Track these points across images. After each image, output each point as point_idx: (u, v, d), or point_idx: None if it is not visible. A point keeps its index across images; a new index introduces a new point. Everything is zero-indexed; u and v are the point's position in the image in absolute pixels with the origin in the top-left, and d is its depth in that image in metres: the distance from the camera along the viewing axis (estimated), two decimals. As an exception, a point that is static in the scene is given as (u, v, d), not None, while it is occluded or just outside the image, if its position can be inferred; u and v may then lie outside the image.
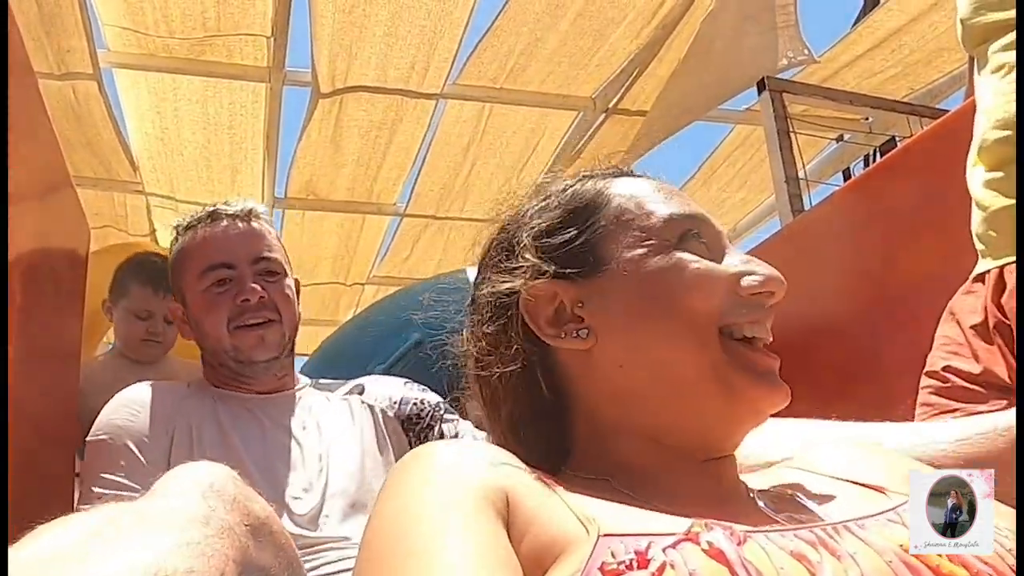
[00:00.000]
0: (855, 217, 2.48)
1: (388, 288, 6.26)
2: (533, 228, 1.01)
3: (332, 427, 1.84)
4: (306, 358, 4.06)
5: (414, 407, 1.93)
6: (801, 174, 3.83)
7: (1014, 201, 1.50)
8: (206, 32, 4.35)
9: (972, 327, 1.57)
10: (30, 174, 2.01)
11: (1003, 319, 1.51)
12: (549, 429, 1.00)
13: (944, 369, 1.61)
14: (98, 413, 2.84)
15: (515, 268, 1.00)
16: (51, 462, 2.35)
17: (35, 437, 2.12)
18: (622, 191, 0.99)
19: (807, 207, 3.70)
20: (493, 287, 1.01)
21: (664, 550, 0.70)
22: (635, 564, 0.69)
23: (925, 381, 1.65)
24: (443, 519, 0.75)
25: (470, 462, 0.82)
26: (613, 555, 0.70)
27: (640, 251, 0.93)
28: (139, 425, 1.78)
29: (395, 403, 1.93)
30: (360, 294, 7.07)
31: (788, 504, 0.87)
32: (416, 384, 2.00)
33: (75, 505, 2.52)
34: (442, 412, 1.94)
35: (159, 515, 0.82)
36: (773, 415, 0.94)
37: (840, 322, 2.54)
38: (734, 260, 0.93)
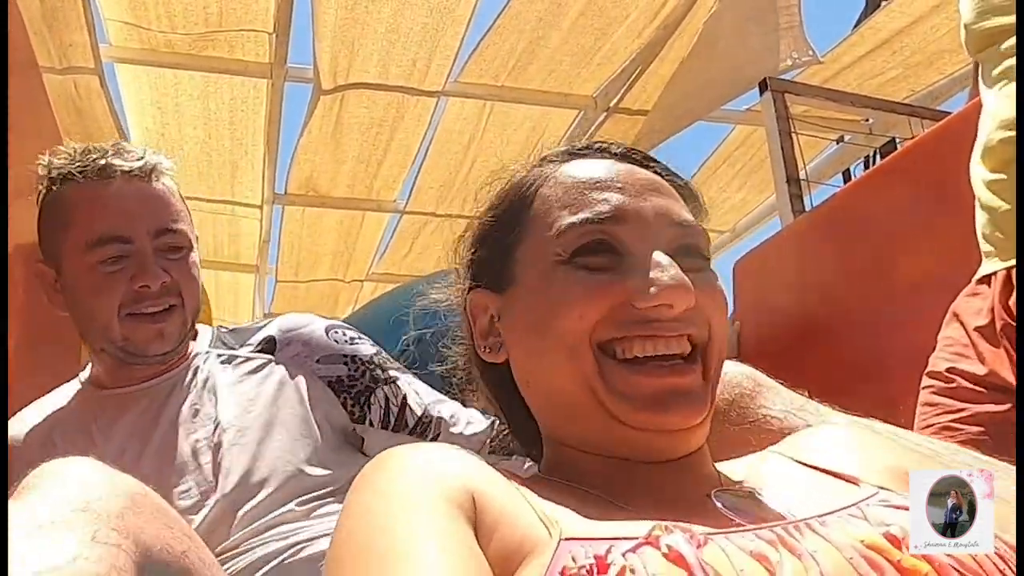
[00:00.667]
0: (856, 218, 2.49)
1: (387, 285, 6.27)
2: (471, 236, 1.02)
3: (229, 407, 1.54)
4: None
5: (343, 367, 1.61)
6: (802, 175, 3.83)
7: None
8: (208, 28, 4.35)
9: (977, 329, 1.57)
10: (34, 170, 2.02)
11: (1010, 321, 1.51)
12: (514, 428, 1.03)
13: (948, 371, 1.61)
14: None
15: (464, 278, 1.02)
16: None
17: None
18: (544, 193, 0.94)
19: (808, 208, 3.71)
20: (452, 296, 1.05)
21: (624, 554, 0.69)
22: (595, 569, 0.68)
23: (927, 381, 1.65)
24: (411, 523, 0.73)
25: (435, 466, 0.80)
26: (574, 559, 0.69)
27: (538, 265, 0.90)
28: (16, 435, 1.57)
29: (316, 362, 1.61)
30: (359, 291, 7.07)
31: (750, 502, 0.85)
32: (345, 332, 1.70)
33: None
34: (382, 372, 1.64)
35: (48, 509, 0.75)
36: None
37: (841, 321, 2.55)
38: (643, 268, 0.85)
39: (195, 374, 1.62)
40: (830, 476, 0.88)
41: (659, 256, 0.86)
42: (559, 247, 0.88)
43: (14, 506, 0.76)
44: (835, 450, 0.93)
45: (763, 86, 4.02)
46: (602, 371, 0.85)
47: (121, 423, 1.56)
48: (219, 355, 1.65)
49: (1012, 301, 1.51)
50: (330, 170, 5.61)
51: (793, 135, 3.89)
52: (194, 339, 1.68)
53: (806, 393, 1.16)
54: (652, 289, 0.84)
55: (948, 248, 1.76)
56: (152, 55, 4.53)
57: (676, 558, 0.68)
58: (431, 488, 0.76)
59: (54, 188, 1.58)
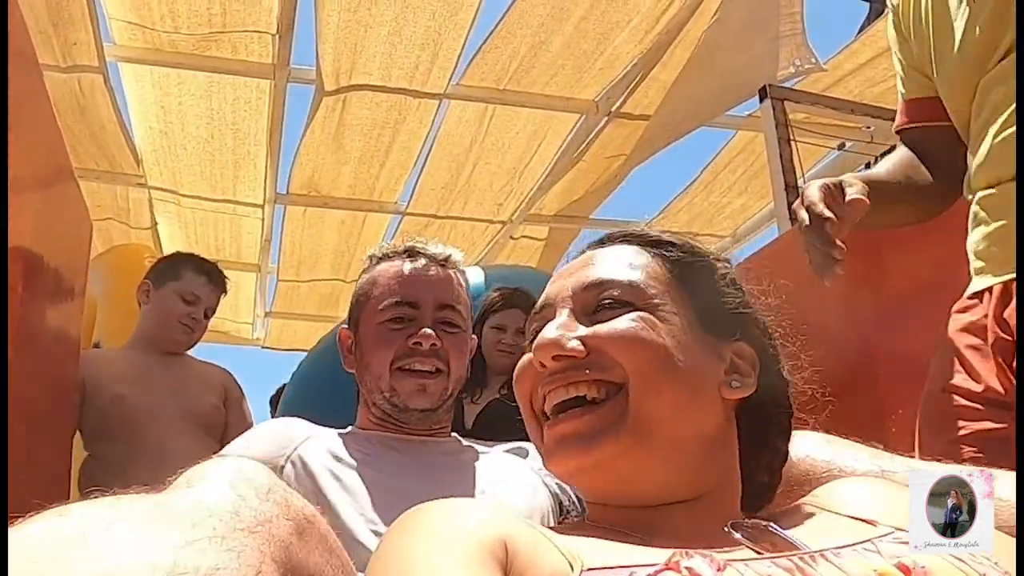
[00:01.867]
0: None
1: (388, 286, 6.28)
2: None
3: (499, 483, 1.69)
4: (304, 354, 4.08)
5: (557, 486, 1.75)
6: (800, 182, 3.83)
7: (1013, 218, 1.50)
8: (211, 28, 4.37)
9: (970, 346, 1.56)
10: (33, 166, 2.03)
11: (1003, 335, 1.51)
12: None
13: (944, 389, 1.60)
14: (121, 402, 2.89)
15: None
16: (48, 453, 2.37)
17: (33, 428, 2.14)
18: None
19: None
20: None
21: None
22: None
23: (925, 402, 1.64)
24: (443, 566, 0.75)
25: (467, 515, 0.84)
26: None
27: None
28: (269, 455, 1.64)
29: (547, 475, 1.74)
30: (360, 292, 7.08)
31: (766, 535, 0.87)
32: None
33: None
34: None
35: (179, 506, 0.72)
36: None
37: (834, 331, 2.55)
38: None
39: (461, 447, 1.81)
40: (848, 518, 0.90)
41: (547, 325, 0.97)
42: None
43: (175, 495, 0.75)
44: (856, 496, 0.95)
45: (763, 93, 4.03)
46: (541, 435, 0.97)
47: (384, 458, 1.69)
48: (481, 450, 1.81)
49: (1007, 314, 1.50)
50: (332, 171, 5.63)
51: (792, 142, 3.90)
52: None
53: (880, 446, 1.16)
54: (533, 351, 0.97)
55: (943, 258, 1.76)
56: (156, 55, 4.55)
57: None
58: (463, 534, 0.79)
59: (371, 267, 1.86)
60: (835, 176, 4.01)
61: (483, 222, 6.32)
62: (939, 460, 1.28)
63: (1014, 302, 1.49)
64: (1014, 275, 1.50)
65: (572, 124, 5.33)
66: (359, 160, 5.51)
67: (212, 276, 3.17)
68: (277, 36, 4.42)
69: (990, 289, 1.56)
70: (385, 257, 1.85)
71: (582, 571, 0.76)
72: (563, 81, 4.92)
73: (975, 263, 1.62)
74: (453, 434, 1.86)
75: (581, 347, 0.92)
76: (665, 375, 0.92)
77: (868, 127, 4.63)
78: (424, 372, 1.73)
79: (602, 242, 1.07)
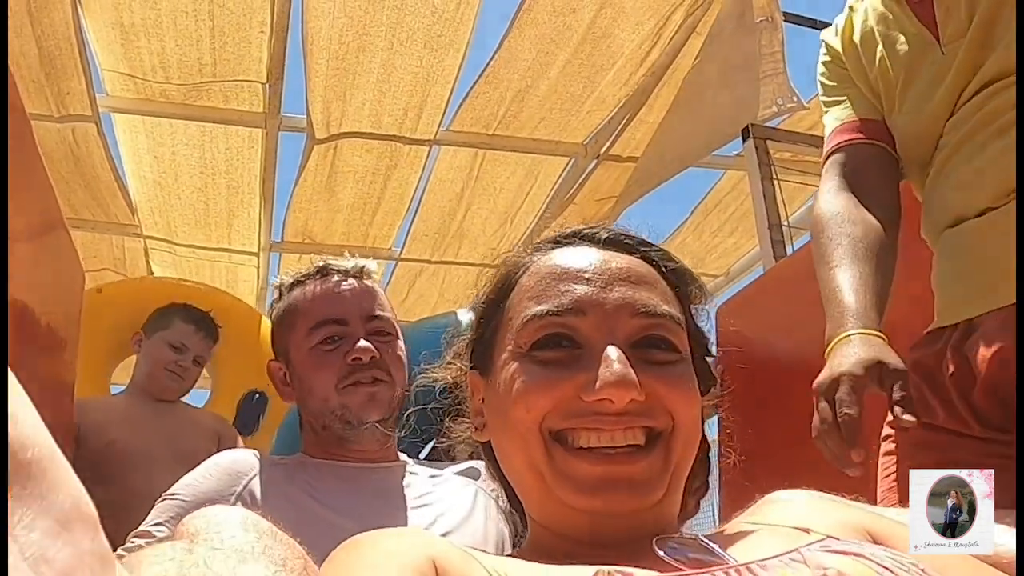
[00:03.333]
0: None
1: (383, 331, 6.29)
2: (467, 318, 1.07)
3: (453, 506, 1.68)
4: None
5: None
6: (786, 221, 3.86)
7: (975, 257, 1.52)
8: (202, 78, 4.43)
9: (931, 377, 1.58)
10: (25, 218, 2.05)
11: (959, 368, 1.53)
12: (512, 502, 1.06)
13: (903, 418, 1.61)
14: (111, 447, 2.91)
15: (457, 356, 1.08)
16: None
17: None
18: (522, 282, 0.98)
19: (790, 253, 3.74)
20: (454, 370, 1.09)
21: None
22: None
23: (887, 430, 1.66)
24: None
25: (396, 541, 0.84)
26: None
27: (504, 355, 0.94)
28: (219, 491, 1.64)
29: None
30: (356, 337, 7.09)
31: (694, 549, 0.87)
32: None
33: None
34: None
35: (232, 551, 0.74)
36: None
37: (816, 366, 2.57)
38: (595, 361, 0.88)
39: (410, 472, 1.78)
40: (782, 528, 0.90)
41: (610, 350, 0.87)
42: (520, 339, 0.92)
43: (207, 543, 0.76)
44: (791, 506, 0.96)
45: (745, 133, 4.06)
46: (550, 457, 0.88)
47: (349, 492, 1.68)
48: (431, 475, 1.79)
49: (966, 347, 1.52)
50: (325, 218, 5.67)
51: (776, 182, 3.93)
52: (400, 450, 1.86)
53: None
54: (596, 384, 0.86)
55: (919, 293, 1.78)
56: (148, 105, 4.61)
57: None
58: (396, 557, 0.79)
59: (285, 295, 1.83)
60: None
61: (477, 266, 6.34)
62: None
63: (974, 336, 1.51)
64: (976, 315, 1.52)
65: (562, 167, 5.38)
66: (352, 207, 5.55)
67: (200, 324, 3.20)
68: (267, 85, 4.48)
69: (955, 326, 1.57)
70: (297, 282, 1.82)
71: None
72: (551, 125, 4.97)
73: (940, 300, 1.64)
74: (402, 456, 1.83)
75: (643, 394, 0.88)
76: (697, 429, 0.93)
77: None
78: (369, 383, 1.71)
79: (622, 243, 1.02)
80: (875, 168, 1.74)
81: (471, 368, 1.03)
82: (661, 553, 0.85)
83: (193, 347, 3.16)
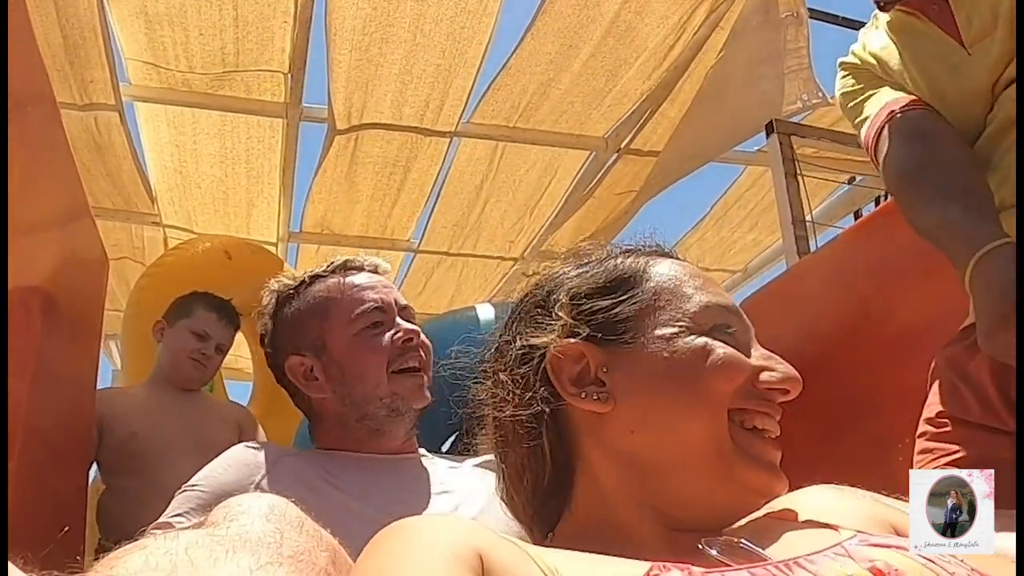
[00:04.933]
0: (856, 260, 2.51)
1: (401, 322, 6.30)
2: (571, 289, 1.04)
3: (472, 495, 1.69)
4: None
5: None
6: (809, 217, 3.85)
7: None
8: (225, 67, 4.43)
9: (965, 373, 1.57)
10: (52, 205, 2.06)
11: (994, 363, 1.52)
12: (552, 482, 1.02)
13: (939, 415, 1.61)
14: (135, 438, 2.93)
15: (547, 324, 1.03)
16: (64, 485, 2.39)
17: (49, 461, 2.16)
18: (662, 272, 1.03)
19: (813, 250, 3.73)
20: (524, 338, 1.04)
21: None
22: None
23: (923, 428, 1.65)
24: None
25: (442, 530, 0.84)
26: None
27: (672, 330, 0.97)
28: (238, 482, 1.63)
29: None
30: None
31: (737, 550, 0.89)
32: None
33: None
34: None
35: (231, 537, 0.78)
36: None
37: (840, 362, 2.56)
38: (757, 355, 0.97)
39: (431, 464, 1.78)
40: (811, 524, 0.93)
41: (763, 350, 0.98)
42: (699, 320, 0.97)
43: (223, 529, 0.80)
44: (814, 504, 0.99)
45: (769, 128, 4.05)
46: (732, 433, 0.93)
47: (370, 482, 1.67)
48: (450, 466, 1.80)
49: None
50: (344, 209, 5.68)
51: (799, 177, 3.92)
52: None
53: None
54: (776, 374, 0.95)
55: (947, 289, 1.77)
56: (171, 94, 4.62)
57: None
58: (440, 547, 0.79)
59: (303, 290, 1.80)
60: (847, 209, 3.94)
61: (495, 259, 6.35)
62: None
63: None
64: None
65: (582, 161, 5.37)
66: (371, 198, 5.56)
67: (223, 313, 3.21)
68: (289, 75, 4.49)
69: None
70: (317, 277, 1.81)
71: None
72: (573, 118, 4.96)
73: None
74: (420, 450, 1.83)
75: None
76: None
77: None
78: (417, 369, 1.73)
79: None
80: (941, 122, 1.64)
81: (572, 338, 1.01)
82: (711, 551, 0.88)
83: (215, 335, 3.16)
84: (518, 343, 1.05)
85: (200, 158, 5.14)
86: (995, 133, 1.59)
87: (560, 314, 1.03)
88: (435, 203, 5.68)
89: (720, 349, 0.94)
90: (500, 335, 1.11)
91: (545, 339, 1.02)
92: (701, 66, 4.54)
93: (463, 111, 4.80)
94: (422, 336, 1.77)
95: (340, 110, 4.68)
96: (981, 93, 1.59)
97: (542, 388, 1.00)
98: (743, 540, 0.90)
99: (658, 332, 0.97)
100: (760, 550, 0.87)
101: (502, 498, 1.08)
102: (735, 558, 0.86)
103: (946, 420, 1.58)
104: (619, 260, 1.06)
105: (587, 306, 1.02)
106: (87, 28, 4.02)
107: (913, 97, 1.70)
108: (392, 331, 1.73)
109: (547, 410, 1.00)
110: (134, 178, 5.21)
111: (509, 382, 1.04)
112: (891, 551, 0.80)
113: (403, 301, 1.80)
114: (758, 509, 0.95)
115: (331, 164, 5.13)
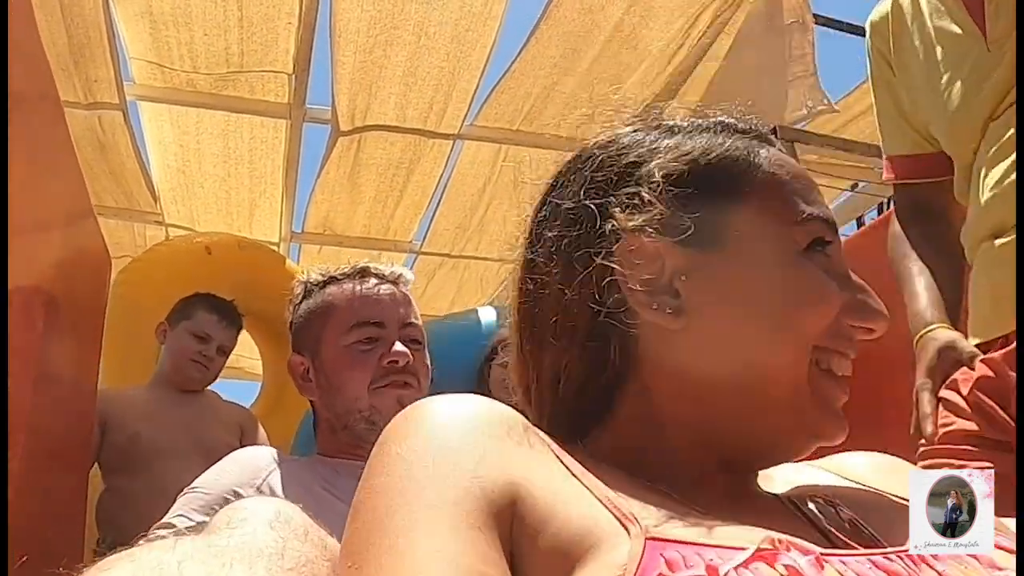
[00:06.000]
0: (857, 268, 2.51)
1: (402, 324, 6.31)
2: (667, 165, 0.86)
3: None
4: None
5: None
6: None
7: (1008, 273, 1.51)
8: (229, 68, 4.43)
9: (968, 391, 1.57)
10: (54, 204, 2.06)
11: (987, 373, 1.53)
12: (596, 394, 0.88)
13: (942, 426, 1.62)
14: (136, 439, 2.95)
15: (628, 201, 0.86)
16: (65, 485, 2.39)
17: (51, 461, 2.16)
18: (767, 166, 0.86)
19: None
20: (594, 211, 0.87)
21: (736, 569, 0.61)
22: None
23: (922, 447, 1.66)
24: (429, 526, 0.66)
25: (477, 437, 0.74)
26: (668, 566, 0.61)
27: (767, 243, 0.83)
28: (240, 485, 1.65)
29: None
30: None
31: (836, 520, 0.80)
32: None
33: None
34: None
35: (231, 547, 0.72)
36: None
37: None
38: (850, 284, 0.84)
39: None
40: (887, 496, 0.86)
41: (858, 280, 0.86)
42: (798, 234, 0.84)
43: (224, 537, 0.75)
44: (873, 470, 0.92)
45: (773, 134, 4.04)
46: (810, 376, 0.81)
47: (348, 489, 1.69)
48: None
49: (997, 355, 1.52)
50: (347, 210, 5.68)
51: (802, 183, 3.91)
52: None
53: None
54: (866, 312, 0.83)
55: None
56: (175, 93, 4.62)
57: None
58: (455, 480, 0.69)
59: (317, 291, 1.83)
60: (849, 215, 3.98)
61: (496, 261, 6.34)
62: None
63: (1009, 350, 1.51)
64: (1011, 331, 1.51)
65: (586, 164, 5.35)
66: (374, 199, 5.56)
67: (224, 314, 3.22)
68: (293, 76, 4.48)
69: (992, 340, 1.57)
70: (333, 280, 1.83)
71: (645, 540, 0.64)
72: (576, 122, 4.94)
73: (975, 315, 1.63)
74: None
75: None
76: None
77: (881, 169, 4.62)
78: (402, 386, 1.73)
79: None
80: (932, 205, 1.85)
81: (653, 232, 0.84)
82: (820, 516, 0.80)
83: (217, 336, 3.17)
84: (587, 215, 0.87)
85: (203, 158, 5.14)
86: (994, 153, 1.59)
87: (649, 196, 0.85)
88: (438, 205, 5.68)
89: (816, 277, 0.82)
90: (561, 184, 0.95)
91: (626, 222, 0.84)
92: (705, 72, 4.54)
93: (467, 114, 4.80)
94: (417, 357, 1.77)
95: (344, 112, 4.68)
96: (989, 100, 1.59)
97: (603, 284, 0.84)
98: (842, 508, 0.82)
99: (751, 241, 0.83)
100: (863, 524, 0.79)
101: (516, 403, 0.90)
102: (839, 532, 0.77)
103: (949, 435, 1.59)
104: (721, 139, 0.88)
105: (681, 191, 0.84)
106: (92, 27, 4.02)
107: (896, 159, 1.89)
108: (384, 349, 1.74)
109: (604, 312, 0.84)
110: (137, 177, 5.21)
111: (567, 267, 0.87)
112: (1011, 556, 0.72)
113: (410, 318, 1.81)
114: (810, 449, 0.84)
115: (334, 165, 5.13)
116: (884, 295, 1.90)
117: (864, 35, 1.91)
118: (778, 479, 0.90)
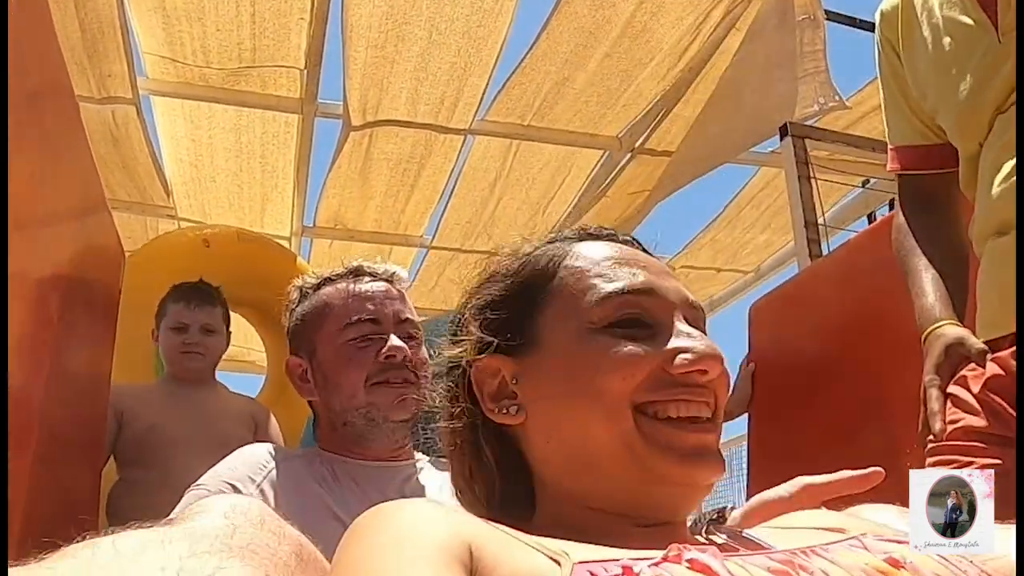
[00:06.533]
0: (868, 264, 2.51)
1: (412, 318, 6.33)
2: (476, 302, 1.03)
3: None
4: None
5: None
6: (821, 220, 3.85)
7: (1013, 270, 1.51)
8: (241, 63, 4.45)
9: (979, 388, 1.58)
10: (68, 198, 2.07)
11: (998, 372, 1.53)
12: (504, 488, 1.01)
13: (950, 422, 1.62)
14: (151, 432, 2.97)
15: (462, 339, 1.03)
16: (78, 479, 2.40)
17: (65, 455, 2.18)
18: (569, 263, 0.98)
19: (826, 252, 3.73)
20: (448, 353, 1.05)
21: (649, 567, 0.70)
22: None
23: (930, 444, 1.66)
24: (409, 570, 0.73)
25: (431, 517, 0.80)
26: None
27: (570, 331, 0.94)
28: (241, 481, 1.67)
29: None
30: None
31: (745, 542, 0.88)
32: None
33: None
34: None
35: (176, 531, 0.75)
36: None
37: (850, 366, 2.56)
38: (674, 337, 0.91)
39: (420, 472, 1.80)
40: (817, 529, 0.91)
41: (687, 327, 0.92)
42: (595, 315, 0.92)
43: (173, 526, 0.78)
44: (817, 516, 0.98)
45: (784, 131, 4.04)
46: (640, 428, 0.88)
47: (355, 491, 1.69)
48: (436, 468, 1.82)
49: (1005, 354, 1.52)
50: (358, 204, 5.70)
51: (813, 180, 3.91)
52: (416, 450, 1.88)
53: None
54: (688, 356, 0.89)
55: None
56: (187, 88, 4.64)
57: (702, 568, 0.70)
58: (426, 538, 0.76)
59: (312, 293, 1.83)
60: (860, 212, 3.95)
61: (508, 256, 6.34)
62: None
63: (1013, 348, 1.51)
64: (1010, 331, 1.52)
65: (595, 160, 5.37)
66: (385, 194, 5.58)
67: (191, 297, 3.20)
68: (305, 71, 4.50)
69: (1002, 337, 1.57)
70: (327, 281, 1.83)
71: (574, 564, 0.73)
72: (587, 117, 4.97)
73: (984, 311, 1.63)
74: (418, 454, 1.85)
75: None
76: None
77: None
78: (400, 383, 1.73)
79: (639, 244, 1.04)
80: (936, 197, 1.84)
81: (485, 351, 1.00)
82: (720, 537, 0.87)
83: (193, 320, 3.16)
84: (444, 357, 1.05)
85: (215, 152, 5.16)
86: (1001, 147, 1.59)
87: (470, 328, 1.01)
88: (448, 200, 5.70)
89: (615, 347, 0.90)
90: (436, 352, 1.09)
91: (460, 353, 1.02)
92: (716, 68, 4.54)
93: (477, 109, 4.81)
94: (414, 352, 1.77)
95: (355, 106, 4.69)
96: (998, 91, 1.59)
97: (469, 402, 1.00)
98: (744, 531, 0.91)
99: (557, 335, 0.95)
100: (762, 540, 0.87)
101: (462, 504, 1.05)
102: (740, 544, 0.85)
103: (958, 431, 1.59)
104: (527, 258, 1.02)
105: (493, 316, 1.00)
106: (106, 22, 4.04)
107: (901, 150, 1.88)
108: (379, 345, 1.74)
109: (479, 423, 1.00)
110: (150, 171, 5.24)
111: (447, 395, 1.04)
112: (907, 547, 0.79)
113: (405, 314, 1.81)
114: (699, 498, 0.91)
115: (345, 160, 5.15)
116: (895, 289, 1.91)
117: (875, 31, 1.91)
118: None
